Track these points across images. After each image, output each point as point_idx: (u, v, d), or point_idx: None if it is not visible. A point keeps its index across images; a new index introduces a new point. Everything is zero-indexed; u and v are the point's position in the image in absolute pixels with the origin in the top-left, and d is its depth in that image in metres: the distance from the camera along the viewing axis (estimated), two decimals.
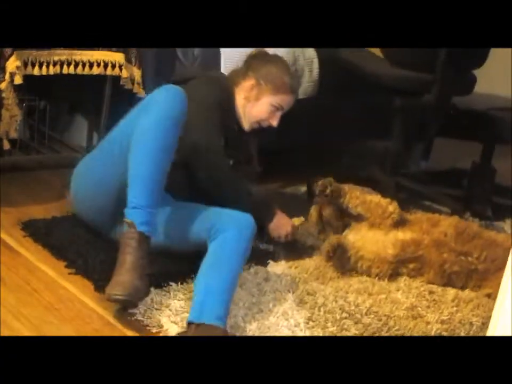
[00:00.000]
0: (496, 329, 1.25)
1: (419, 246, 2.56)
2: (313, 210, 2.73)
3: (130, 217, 2.07)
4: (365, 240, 2.58)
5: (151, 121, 2.11)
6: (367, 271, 2.53)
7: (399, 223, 2.64)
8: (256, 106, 2.57)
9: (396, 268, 2.55)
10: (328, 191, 2.58)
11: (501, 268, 2.51)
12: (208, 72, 2.70)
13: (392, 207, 2.64)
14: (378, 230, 2.61)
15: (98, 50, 2.77)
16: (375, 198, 2.69)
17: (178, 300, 2.18)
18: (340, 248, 2.49)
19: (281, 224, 2.56)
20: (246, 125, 2.60)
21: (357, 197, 2.65)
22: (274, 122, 2.61)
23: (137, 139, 2.11)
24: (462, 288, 2.54)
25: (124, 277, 1.99)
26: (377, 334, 2.14)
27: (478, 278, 2.54)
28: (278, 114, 2.60)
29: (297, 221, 2.70)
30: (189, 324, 1.98)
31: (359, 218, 2.65)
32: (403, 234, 2.59)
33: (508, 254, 2.51)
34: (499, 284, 2.43)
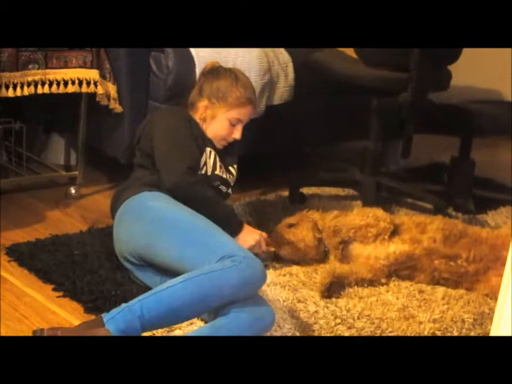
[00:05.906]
0: (500, 329, 1.24)
1: (411, 257, 2.55)
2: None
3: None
4: (359, 258, 2.59)
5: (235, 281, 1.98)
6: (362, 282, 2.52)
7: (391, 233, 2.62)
8: (213, 124, 2.55)
9: (388, 276, 2.56)
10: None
11: (490, 266, 2.54)
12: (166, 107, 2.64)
13: (383, 222, 2.61)
14: (368, 244, 2.60)
15: (71, 68, 2.76)
16: (365, 219, 2.63)
17: None
18: (335, 283, 2.43)
19: (247, 235, 2.44)
20: (216, 144, 2.58)
21: (349, 229, 2.62)
22: (237, 135, 2.59)
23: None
24: (454, 289, 2.55)
25: None
26: None
27: (469, 280, 2.55)
28: (239, 127, 2.58)
29: None
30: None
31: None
32: (395, 247, 2.57)
33: (493, 249, 2.55)
34: (492, 284, 2.47)
